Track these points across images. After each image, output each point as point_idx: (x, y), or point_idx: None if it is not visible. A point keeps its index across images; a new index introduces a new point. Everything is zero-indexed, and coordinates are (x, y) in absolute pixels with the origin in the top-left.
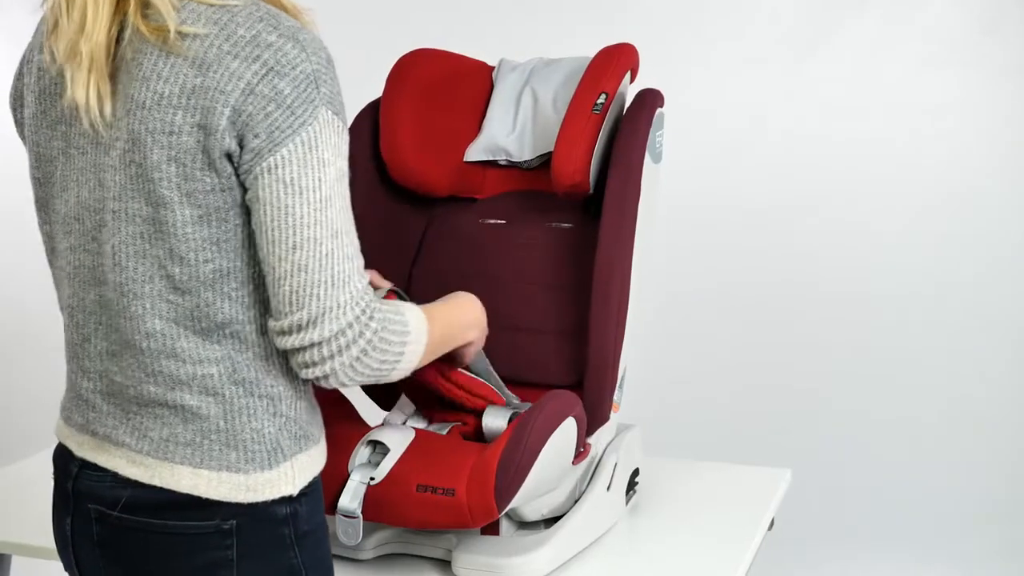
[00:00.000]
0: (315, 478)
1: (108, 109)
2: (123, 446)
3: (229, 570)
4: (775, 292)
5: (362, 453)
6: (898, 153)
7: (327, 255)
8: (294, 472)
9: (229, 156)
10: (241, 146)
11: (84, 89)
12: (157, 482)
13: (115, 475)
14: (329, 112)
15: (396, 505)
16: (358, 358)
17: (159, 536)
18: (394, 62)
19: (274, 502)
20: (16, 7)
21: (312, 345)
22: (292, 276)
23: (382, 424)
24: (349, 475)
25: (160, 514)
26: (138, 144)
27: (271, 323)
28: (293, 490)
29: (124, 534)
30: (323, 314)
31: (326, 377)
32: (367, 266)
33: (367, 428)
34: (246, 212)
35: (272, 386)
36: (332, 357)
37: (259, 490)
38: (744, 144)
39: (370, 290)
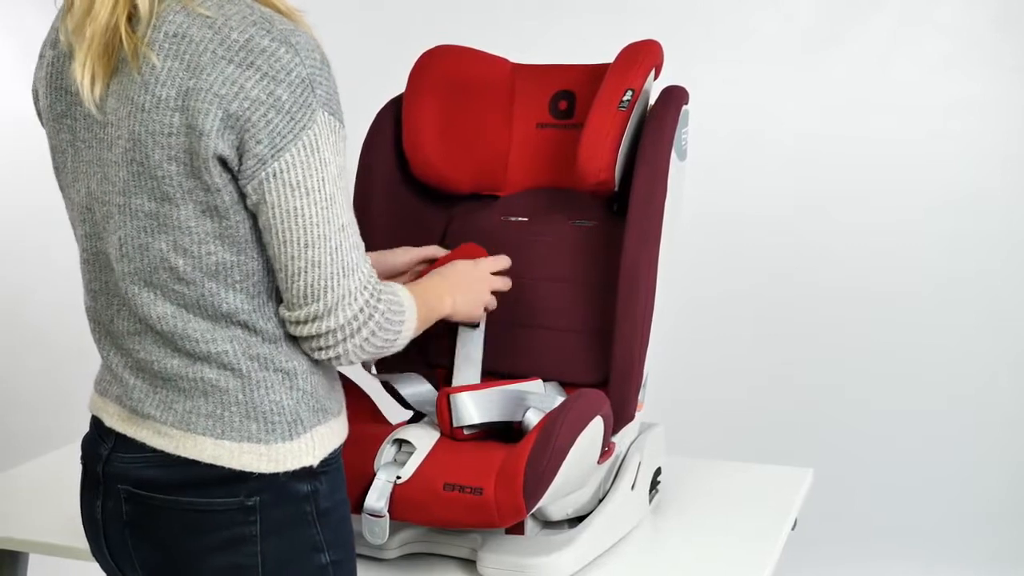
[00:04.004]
0: (336, 454)
1: (99, 91)
2: (150, 418)
3: (253, 545)
4: (796, 292)
5: (388, 452)
6: (916, 151)
7: (336, 248)
8: (314, 443)
9: (222, 159)
10: (240, 151)
11: (81, 68)
12: (182, 452)
13: (143, 453)
14: (326, 113)
15: (423, 504)
16: (367, 339)
17: (185, 513)
18: (416, 58)
19: (296, 478)
20: (23, 3)
21: (328, 332)
22: (307, 272)
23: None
24: (375, 474)
25: (186, 492)
26: (139, 144)
27: (285, 313)
28: (314, 461)
29: (152, 512)
30: (337, 303)
31: (338, 358)
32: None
33: (392, 427)
34: (248, 209)
35: (286, 362)
36: (345, 340)
37: (280, 460)
38: (760, 143)
39: (374, 273)
